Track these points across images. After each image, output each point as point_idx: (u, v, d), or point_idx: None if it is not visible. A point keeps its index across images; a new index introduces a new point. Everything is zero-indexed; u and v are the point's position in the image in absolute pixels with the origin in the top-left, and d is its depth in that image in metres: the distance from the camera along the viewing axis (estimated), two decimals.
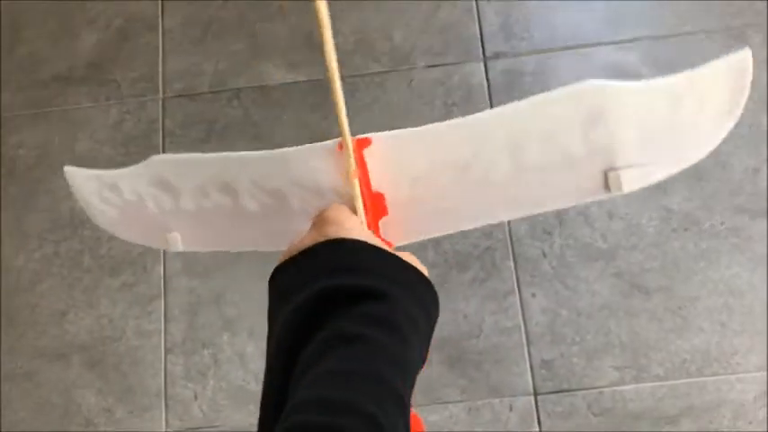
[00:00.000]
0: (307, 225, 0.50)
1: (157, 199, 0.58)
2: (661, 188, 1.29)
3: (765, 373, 1.19)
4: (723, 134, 0.52)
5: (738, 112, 0.51)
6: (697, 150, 0.52)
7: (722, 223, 1.26)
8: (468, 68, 1.38)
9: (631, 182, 0.51)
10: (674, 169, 0.52)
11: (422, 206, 0.54)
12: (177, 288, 1.30)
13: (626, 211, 1.28)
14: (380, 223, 0.53)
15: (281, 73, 1.40)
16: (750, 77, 0.51)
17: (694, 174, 1.29)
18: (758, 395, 1.19)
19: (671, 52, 1.37)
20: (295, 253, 0.46)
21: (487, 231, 1.29)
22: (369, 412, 0.37)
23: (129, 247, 1.33)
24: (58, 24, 1.48)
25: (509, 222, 1.29)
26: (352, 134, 0.53)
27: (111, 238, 1.33)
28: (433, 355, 1.23)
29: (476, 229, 1.27)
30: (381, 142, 0.52)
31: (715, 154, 1.36)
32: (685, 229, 1.27)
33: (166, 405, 1.25)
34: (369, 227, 0.52)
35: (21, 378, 1.28)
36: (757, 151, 1.29)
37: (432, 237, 0.50)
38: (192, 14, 1.47)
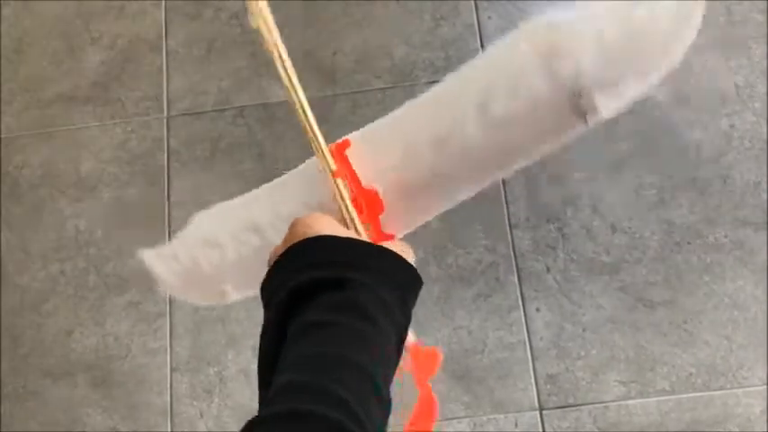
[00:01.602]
0: None
1: (208, 257, 0.60)
2: (663, 201, 1.29)
3: None
4: (685, 41, 0.52)
5: (696, 18, 0.52)
6: (660, 59, 0.51)
7: (725, 236, 1.26)
8: None
9: (606, 104, 0.50)
10: (643, 83, 0.51)
11: (413, 190, 0.54)
12: (182, 306, 1.31)
13: (629, 225, 1.28)
14: (381, 218, 0.54)
15: (283, 91, 1.41)
16: None
17: (696, 187, 1.29)
18: (765, 409, 1.18)
19: None
20: (270, 265, 0.49)
21: (491, 247, 1.29)
22: (331, 392, 0.39)
23: (134, 266, 1.34)
24: (62, 45, 1.50)
25: (512, 237, 1.29)
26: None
27: (117, 256, 1.34)
28: (437, 372, 1.23)
29: (479, 245, 1.28)
30: (358, 140, 0.54)
31: (717, 167, 1.36)
32: (689, 243, 1.27)
33: (172, 423, 1.25)
34: (368, 222, 0.53)
35: (26, 397, 1.28)
36: (759, 164, 1.29)
37: (435, 215, 0.52)
38: (194, 34, 1.48)
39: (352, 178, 0.53)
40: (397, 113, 0.54)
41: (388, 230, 0.55)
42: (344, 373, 0.41)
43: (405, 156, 0.53)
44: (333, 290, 0.45)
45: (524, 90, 0.50)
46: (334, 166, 0.53)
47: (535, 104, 0.50)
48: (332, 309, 0.44)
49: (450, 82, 0.54)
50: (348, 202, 0.53)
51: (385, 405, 0.43)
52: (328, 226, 0.49)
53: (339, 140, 0.54)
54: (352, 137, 0.55)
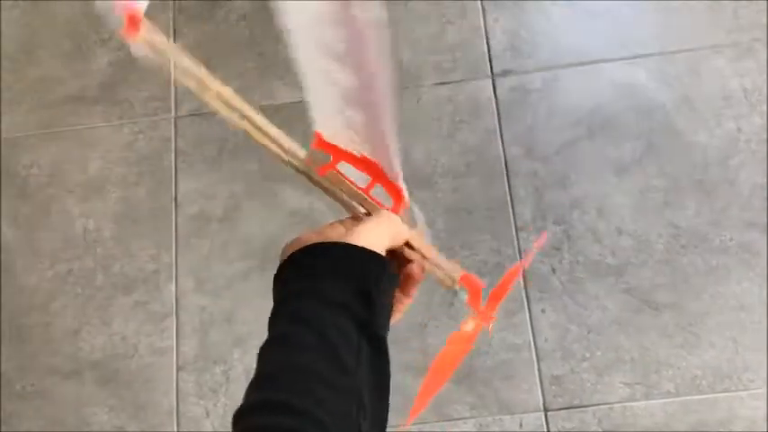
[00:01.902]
0: None
1: None
2: (669, 204, 1.29)
3: None
4: None
5: None
6: None
7: (731, 239, 1.26)
8: (477, 86, 1.39)
9: None
10: None
11: (378, 134, 0.54)
12: (189, 306, 1.31)
13: (634, 228, 1.28)
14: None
15: (291, 91, 1.42)
16: None
17: (702, 190, 1.29)
18: None
19: (679, 67, 1.37)
20: None
21: (496, 248, 1.29)
22: (289, 402, 0.42)
23: (141, 266, 1.34)
24: (71, 45, 1.50)
25: (518, 239, 1.29)
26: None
27: (124, 256, 1.35)
28: None
29: (485, 246, 1.28)
30: (320, 127, 0.55)
31: (723, 170, 1.36)
32: (695, 245, 1.27)
33: (178, 422, 1.26)
34: (378, 182, 0.55)
35: (33, 396, 1.29)
36: (765, 167, 1.29)
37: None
38: (203, 35, 1.49)
39: (347, 156, 0.54)
40: (307, 97, 0.54)
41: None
42: (311, 386, 0.43)
43: (344, 120, 0.54)
44: (281, 306, 0.48)
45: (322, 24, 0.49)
46: (316, 163, 0.54)
47: (325, 17, 0.48)
48: (278, 323, 0.47)
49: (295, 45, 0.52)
50: (348, 184, 0.55)
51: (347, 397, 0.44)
52: (294, 244, 0.51)
53: (313, 138, 0.55)
54: (315, 125, 0.55)
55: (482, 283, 0.57)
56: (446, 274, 0.57)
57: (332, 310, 0.46)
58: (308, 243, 0.50)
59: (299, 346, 0.45)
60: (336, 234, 0.52)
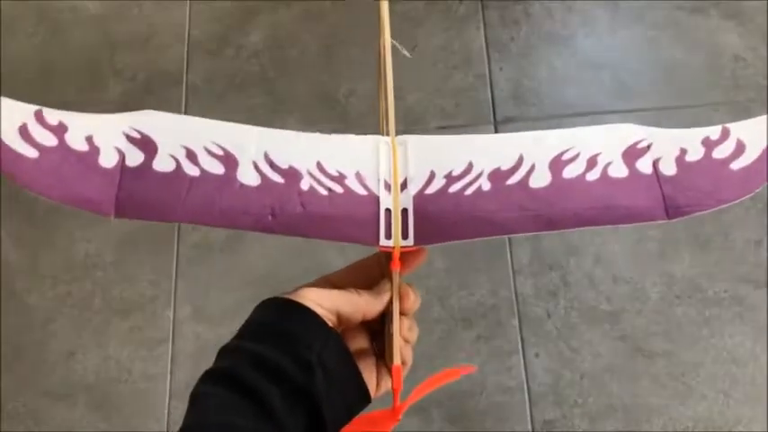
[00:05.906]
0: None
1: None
2: (665, 254, 1.31)
3: None
4: None
5: None
6: None
7: (725, 291, 1.28)
8: (479, 131, 1.43)
9: None
10: None
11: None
12: (185, 333, 1.32)
13: (630, 276, 1.30)
14: None
15: (299, 128, 1.45)
16: None
17: (697, 242, 1.31)
18: None
19: (678, 123, 1.40)
20: None
21: (493, 290, 1.31)
22: None
23: (140, 291, 1.35)
24: (86, 74, 1.54)
25: (515, 282, 1.31)
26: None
27: (124, 281, 1.36)
28: (434, 412, 1.23)
29: (482, 287, 1.30)
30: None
31: (718, 224, 1.37)
32: (689, 296, 1.28)
33: None
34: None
35: (24, 416, 1.29)
36: (760, 223, 1.32)
37: None
38: (215, 70, 1.53)
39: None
40: None
41: None
42: None
43: None
44: (217, 362, 0.48)
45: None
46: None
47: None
48: (207, 382, 0.46)
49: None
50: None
51: None
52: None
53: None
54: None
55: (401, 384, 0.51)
56: (390, 354, 0.50)
57: (271, 379, 0.44)
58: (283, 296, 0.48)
59: (232, 409, 0.44)
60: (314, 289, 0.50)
